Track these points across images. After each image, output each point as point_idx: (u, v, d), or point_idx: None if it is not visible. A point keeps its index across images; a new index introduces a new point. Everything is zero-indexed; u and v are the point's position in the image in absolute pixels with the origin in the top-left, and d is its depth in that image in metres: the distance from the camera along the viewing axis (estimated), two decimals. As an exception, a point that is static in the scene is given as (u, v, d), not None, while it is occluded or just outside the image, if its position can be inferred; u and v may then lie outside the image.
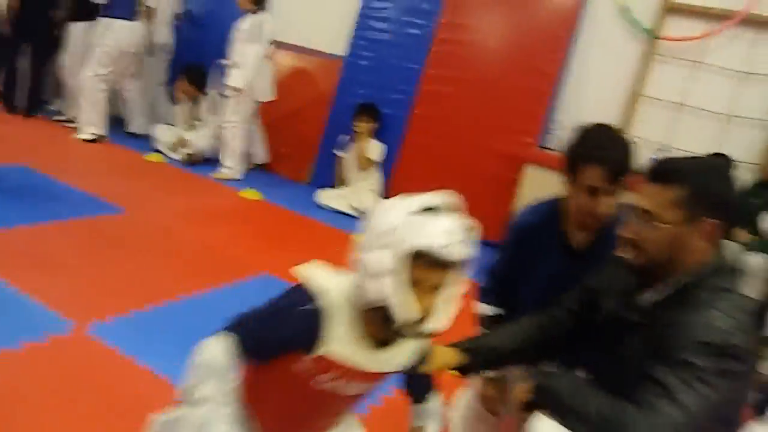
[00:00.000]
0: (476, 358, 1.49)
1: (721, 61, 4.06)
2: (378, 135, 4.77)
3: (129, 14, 4.92)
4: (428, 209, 1.07)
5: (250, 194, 4.51)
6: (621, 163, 1.58)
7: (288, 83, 5.29)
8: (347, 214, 4.50)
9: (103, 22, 4.94)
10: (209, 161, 5.14)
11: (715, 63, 4.08)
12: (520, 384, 1.33)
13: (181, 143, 5.14)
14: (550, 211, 1.75)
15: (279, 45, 5.13)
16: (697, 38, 4.09)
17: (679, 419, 1.10)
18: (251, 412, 1.24)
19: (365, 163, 4.70)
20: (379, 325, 1.12)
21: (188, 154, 5.06)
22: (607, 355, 1.36)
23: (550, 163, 4.04)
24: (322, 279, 1.16)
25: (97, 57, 4.94)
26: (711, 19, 4.07)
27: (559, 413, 1.22)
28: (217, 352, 1.11)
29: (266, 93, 4.97)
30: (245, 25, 4.73)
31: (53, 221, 3.27)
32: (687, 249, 1.25)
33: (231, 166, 4.91)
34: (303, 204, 4.57)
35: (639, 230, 1.28)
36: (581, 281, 1.55)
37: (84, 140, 4.97)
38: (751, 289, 3.05)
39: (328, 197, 4.62)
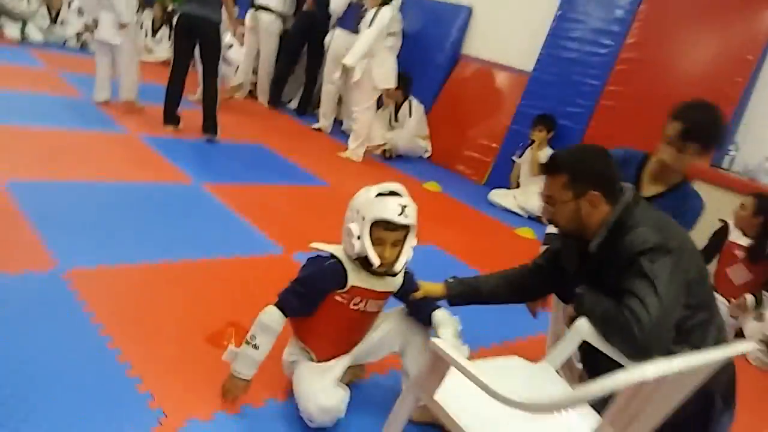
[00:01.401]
0: (457, 292, 2.00)
1: None
2: (553, 144, 5.16)
3: (352, 27, 5.85)
4: (384, 193, 1.74)
5: (432, 186, 5.20)
6: (699, 126, 1.97)
7: (478, 93, 5.91)
8: (515, 213, 4.97)
9: (335, 32, 6.02)
10: (402, 157, 5.95)
11: None
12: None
13: (382, 141, 6.01)
14: (637, 160, 2.18)
15: (473, 59, 5.75)
16: None
17: (657, 301, 1.52)
18: (306, 344, 1.95)
19: (537, 169, 5.12)
20: (367, 267, 1.79)
21: (384, 149, 5.91)
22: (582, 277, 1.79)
23: (719, 181, 4.13)
24: (329, 247, 1.86)
25: (328, 62, 6.07)
26: None
27: (588, 317, 1.69)
28: (270, 315, 1.81)
29: (385, 80, 5.48)
30: (368, 16, 5.36)
31: (276, 184, 4.29)
32: (587, 214, 1.71)
33: (354, 149, 5.55)
34: (476, 200, 5.13)
35: (549, 211, 1.77)
36: None
37: (313, 129, 6.19)
38: None
39: (499, 196, 5.13)
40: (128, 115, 5.12)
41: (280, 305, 1.83)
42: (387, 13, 5.31)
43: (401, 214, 1.73)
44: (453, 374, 1.40)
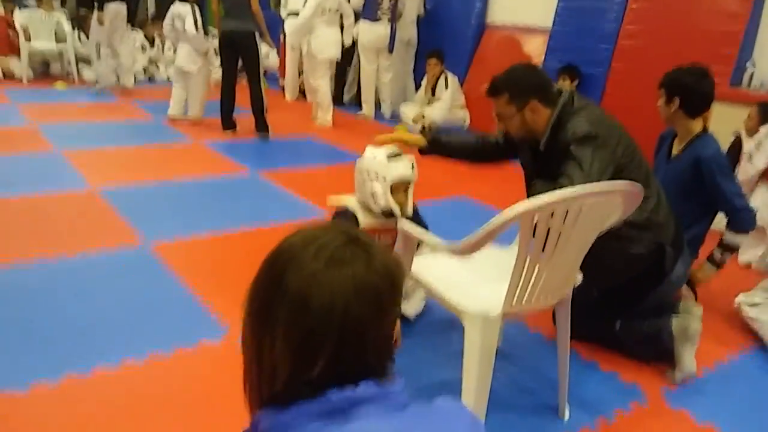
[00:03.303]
0: (434, 145, 2.36)
1: None
2: (581, 92, 5.39)
3: (373, 16, 6.36)
4: (392, 156, 2.07)
5: (469, 149, 5.58)
6: (674, 85, 2.55)
7: (506, 57, 6.18)
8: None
9: (359, 24, 6.52)
10: (441, 130, 6.35)
11: None
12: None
13: (421, 116, 6.43)
14: (671, 133, 2.74)
15: (498, 27, 6.05)
16: None
17: (582, 175, 1.88)
18: None
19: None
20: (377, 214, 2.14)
21: (424, 124, 6.33)
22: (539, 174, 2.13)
23: (739, 99, 4.26)
24: (343, 199, 2.21)
25: (360, 52, 6.65)
26: None
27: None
28: None
29: (322, 50, 6.10)
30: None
31: (322, 165, 4.83)
32: (532, 120, 2.06)
33: (322, 116, 6.27)
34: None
35: (501, 126, 2.13)
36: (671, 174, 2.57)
37: (358, 115, 6.81)
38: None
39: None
40: (193, 128, 5.83)
41: None
42: None
43: (412, 171, 2.12)
44: (423, 255, 1.83)
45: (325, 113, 6.26)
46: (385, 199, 2.05)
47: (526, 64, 2.19)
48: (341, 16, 6.40)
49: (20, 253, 2.88)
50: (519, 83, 2.08)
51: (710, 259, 2.61)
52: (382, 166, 2.05)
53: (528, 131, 2.11)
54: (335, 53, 6.27)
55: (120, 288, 2.63)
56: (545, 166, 2.09)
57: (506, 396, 2.07)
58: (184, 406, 1.91)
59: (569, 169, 1.91)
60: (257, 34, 5.44)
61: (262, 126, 5.58)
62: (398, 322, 0.84)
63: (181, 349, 2.20)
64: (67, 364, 2.05)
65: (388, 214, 2.10)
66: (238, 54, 5.47)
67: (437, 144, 2.38)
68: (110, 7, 6.73)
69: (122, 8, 6.84)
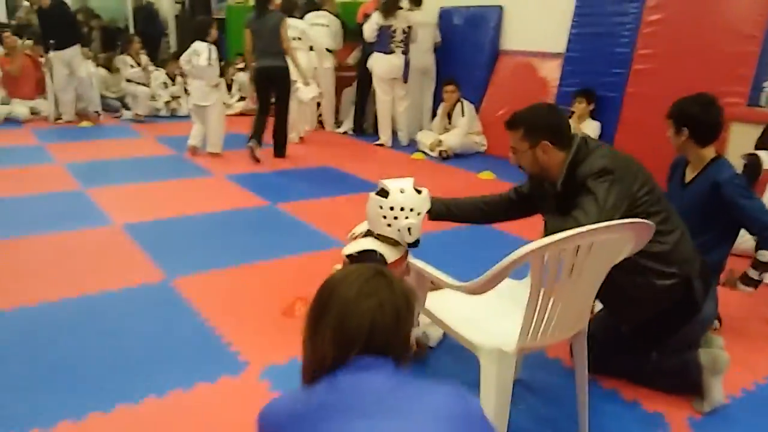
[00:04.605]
0: (435, 210, 2.23)
1: None
2: (595, 116, 5.40)
3: (387, 49, 6.55)
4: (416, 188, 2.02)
5: (486, 175, 5.59)
6: (683, 115, 2.58)
7: (520, 82, 6.26)
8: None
9: (373, 56, 6.67)
10: (459, 156, 6.38)
11: None
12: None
13: (438, 143, 6.47)
14: (683, 161, 2.73)
15: (512, 53, 6.11)
16: None
17: (597, 208, 1.87)
18: None
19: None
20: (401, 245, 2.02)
21: (441, 150, 6.37)
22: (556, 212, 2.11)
23: (757, 118, 4.23)
24: (364, 244, 2.02)
25: (375, 82, 6.78)
26: None
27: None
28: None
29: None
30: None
31: (341, 196, 4.88)
32: (543, 160, 2.06)
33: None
34: (530, 180, 5.46)
35: (515, 159, 2.14)
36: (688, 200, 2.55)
37: (376, 144, 6.91)
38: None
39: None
40: (214, 162, 5.94)
41: None
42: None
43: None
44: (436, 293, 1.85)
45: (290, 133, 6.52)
46: (419, 231, 1.99)
47: (549, 105, 2.22)
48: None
49: (45, 291, 2.95)
50: (535, 121, 2.09)
51: (744, 280, 2.58)
52: (416, 199, 2.00)
53: (540, 169, 2.12)
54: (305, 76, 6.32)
55: (141, 324, 2.68)
56: (563, 204, 2.10)
57: (526, 426, 2.05)
58: (204, 443, 1.93)
59: (584, 202, 1.92)
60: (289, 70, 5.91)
61: (280, 151, 6.13)
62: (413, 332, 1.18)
63: (201, 385, 2.22)
64: (90, 402, 2.09)
65: (414, 244, 2.06)
66: (271, 87, 5.92)
67: (440, 212, 2.30)
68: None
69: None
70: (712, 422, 2.12)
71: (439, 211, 2.27)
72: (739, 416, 2.17)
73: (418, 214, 1.97)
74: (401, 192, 2.00)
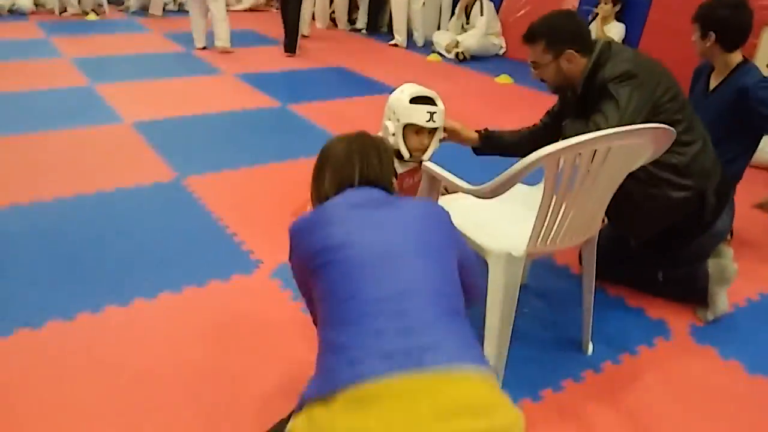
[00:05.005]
0: (486, 144, 2.22)
1: None
2: (621, 17, 5.14)
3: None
4: (417, 98, 1.92)
5: (504, 79, 5.42)
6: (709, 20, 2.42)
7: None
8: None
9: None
10: (476, 58, 6.16)
11: None
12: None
13: (454, 44, 6.24)
14: (707, 67, 2.63)
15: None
16: None
17: (618, 113, 1.82)
18: None
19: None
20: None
21: (458, 52, 6.15)
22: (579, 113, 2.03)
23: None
24: None
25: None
26: None
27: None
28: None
29: None
30: None
31: (353, 98, 4.77)
32: (568, 69, 1.97)
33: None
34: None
35: (538, 74, 2.03)
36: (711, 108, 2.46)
37: (390, 44, 6.69)
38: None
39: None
40: (224, 59, 5.79)
41: None
42: None
43: (429, 120, 1.97)
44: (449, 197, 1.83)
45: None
46: (394, 140, 1.97)
47: (564, 11, 2.08)
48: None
49: (60, 187, 2.98)
50: (556, 31, 1.98)
51: None
52: (401, 106, 1.96)
53: (564, 80, 2.03)
54: None
55: (156, 222, 2.71)
56: (582, 107, 2.03)
57: (529, 330, 2.10)
58: (219, 338, 2.00)
59: (605, 106, 1.85)
60: None
61: (291, 47, 5.95)
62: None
63: (214, 282, 2.28)
64: (108, 295, 2.16)
65: (398, 155, 2.03)
66: None
67: (489, 145, 2.25)
68: None
69: None
70: (713, 330, 2.16)
71: (486, 144, 2.23)
72: (741, 325, 2.21)
73: (398, 120, 1.92)
74: (401, 92, 1.95)
